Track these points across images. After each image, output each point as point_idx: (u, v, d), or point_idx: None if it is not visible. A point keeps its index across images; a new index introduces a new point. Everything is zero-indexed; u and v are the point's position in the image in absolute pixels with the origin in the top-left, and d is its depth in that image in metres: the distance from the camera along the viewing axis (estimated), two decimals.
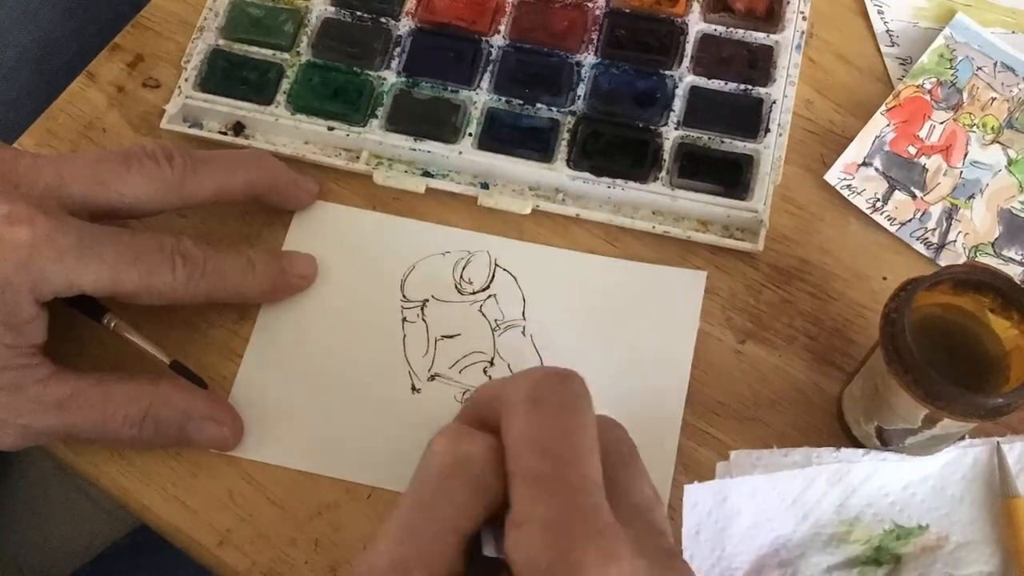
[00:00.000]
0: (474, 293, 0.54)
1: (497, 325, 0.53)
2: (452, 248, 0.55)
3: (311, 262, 0.54)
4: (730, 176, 0.55)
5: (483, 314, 0.54)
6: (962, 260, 0.54)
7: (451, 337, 0.53)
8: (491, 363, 0.53)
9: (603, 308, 0.53)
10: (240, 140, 0.57)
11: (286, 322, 0.54)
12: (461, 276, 0.54)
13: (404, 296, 0.54)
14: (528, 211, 0.55)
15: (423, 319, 0.54)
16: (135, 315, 0.51)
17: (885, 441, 0.48)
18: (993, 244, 0.55)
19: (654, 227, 0.55)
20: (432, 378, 0.52)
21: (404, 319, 0.54)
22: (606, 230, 0.56)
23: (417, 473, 0.36)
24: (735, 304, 0.54)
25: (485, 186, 0.56)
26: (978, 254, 0.55)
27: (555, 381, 0.36)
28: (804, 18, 0.59)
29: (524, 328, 0.53)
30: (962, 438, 0.49)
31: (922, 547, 0.48)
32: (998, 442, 0.49)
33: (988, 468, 0.49)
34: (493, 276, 0.54)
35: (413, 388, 0.52)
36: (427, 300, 0.54)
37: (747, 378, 0.52)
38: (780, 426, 0.51)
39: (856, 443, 0.49)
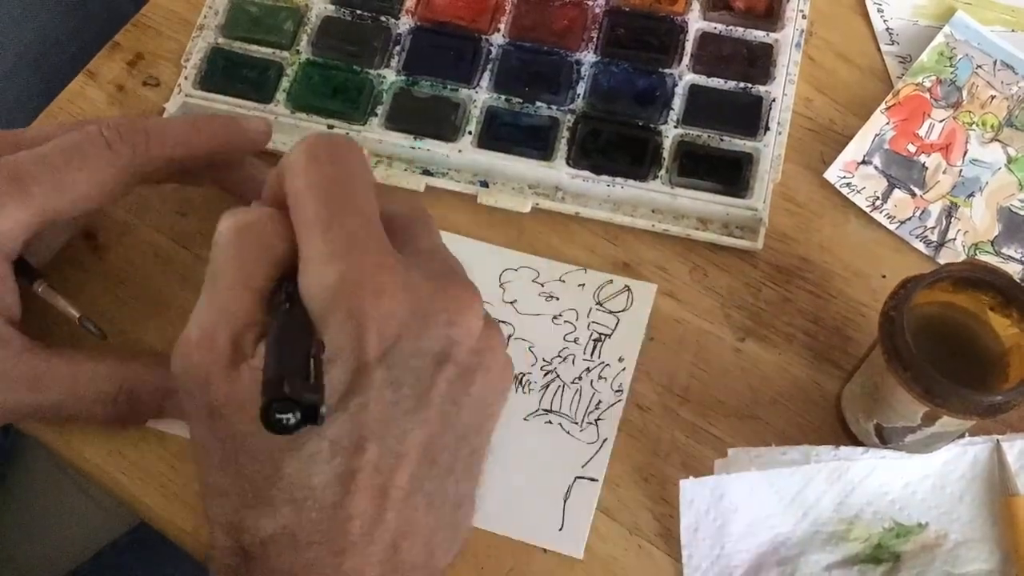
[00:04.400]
0: None
1: None
2: None
3: (263, 121, 0.53)
4: (730, 174, 0.55)
5: None
6: (962, 258, 0.54)
7: None
8: None
9: (551, 313, 0.54)
10: None
11: None
12: None
13: None
14: (528, 209, 0.55)
15: None
16: (140, 306, 0.51)
17: (885, 439, 0.48)
18: (993, 242, 0.55)
19: (654, 225, 0.55)
20: None
21: None
22: (606, 228, 0.56)
23: (210, 256, 0.39)
24: (734, 302, 0.54)
25: (485, 184, 0.56)
26: (978, 252, 0.55)
27: (327, 138, 0.40)
28: (804, 16, 0.59)
29: None
30: (962, 436, 0.49)
31: (922, 545, 0.48)
32: (998, 440, 0.49)
33: (988, 466, 0.49)
34: None
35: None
36: None
37: (746, 376, 0.52)
38: (779, 424, 0.51)
39: (855, 441, 0.49)
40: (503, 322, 0.53)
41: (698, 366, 0.52)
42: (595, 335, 0.53)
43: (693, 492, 0.48)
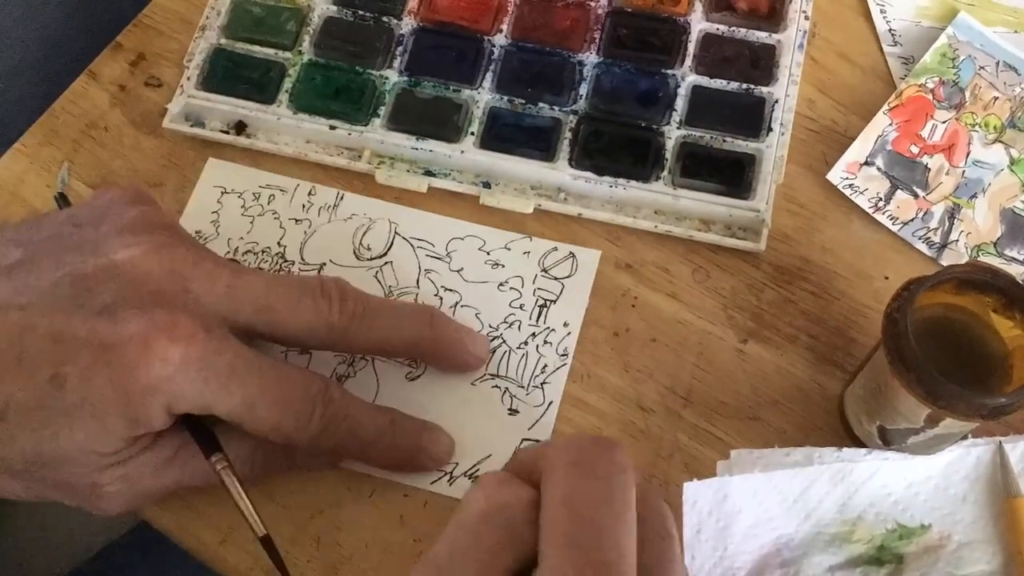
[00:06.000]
0: (371, 259, 0.55)
1: (391, 292, 0.54)
2: (354, 214, 0.56)
3: (450, 448, 0.51)
4: (732, 175, 0.55)
5: (378, 280, 0.54)
6: (964, 260, 0.54)
7: None
8: None
9: (497, 281, 0.54)
10: (242, 139, 0.57)
11: None
12: (360, 242, 0.55)
13: (303, 259, 0.55)
14: (530, 210, 0.55)
15: None
16: None
17: (887, 441, 0.48)
18: (995, 244, 0.55)
19: (656, 226, 0.55)
20: None
21: None
22: (608, 229, 0.56)
23: (454, 516, 0.35)
24: (737, 303, 0.54)
25: (487, 185, 0.56)
26: (980, 254, 0.55)
27: (601, 449, 0.35)
28: (806, 17, 0.59)
29: (417, 296, 0.54)
30: (965, 437, 0.49)
31: (925, 547, 0.48)
32: (1000, 441, 0.49)
33: (991, 468, 0.49)
34: (392, 244, 0.55)
35: (303, 350, 0.52)
36: (324, 264, 0.55)
37: (749, 377, 0.52)
38: (782, 425, 0.51)
39: (858, 443, 0.49)
40: (450, 290, 0.54)
41: (700, 367, 0.52)
42: (540, 301, 0.54)
43: (696, 494, 0.48)
